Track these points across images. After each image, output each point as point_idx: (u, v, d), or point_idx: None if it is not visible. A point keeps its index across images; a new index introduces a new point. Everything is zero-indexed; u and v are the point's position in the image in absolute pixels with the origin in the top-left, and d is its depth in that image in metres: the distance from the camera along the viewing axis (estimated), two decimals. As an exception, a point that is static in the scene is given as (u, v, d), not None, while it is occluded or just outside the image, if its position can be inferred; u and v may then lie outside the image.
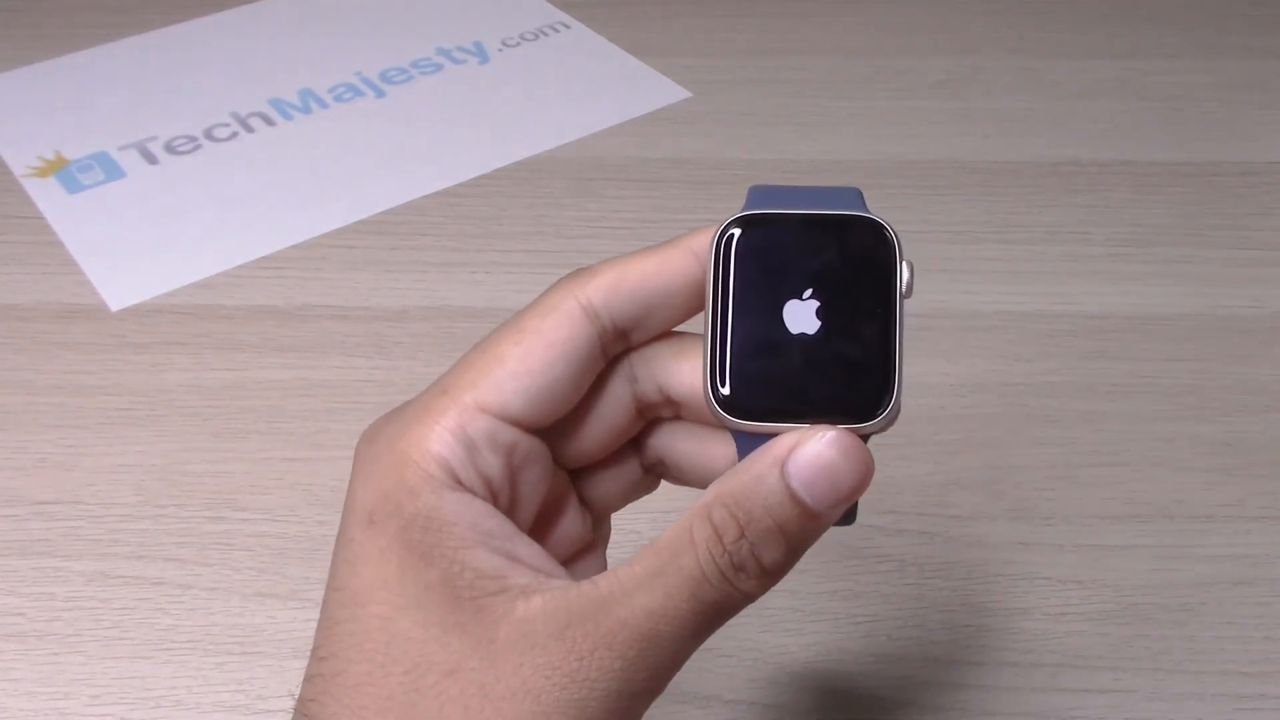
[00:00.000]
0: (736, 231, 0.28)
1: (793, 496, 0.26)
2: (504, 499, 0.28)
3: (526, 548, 0.27)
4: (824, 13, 0.84)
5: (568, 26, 0.82)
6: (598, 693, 0.25)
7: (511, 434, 0.27)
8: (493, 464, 0.27)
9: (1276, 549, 0.48)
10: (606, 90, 0.75)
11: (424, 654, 0.25)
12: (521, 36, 0.81)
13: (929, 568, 0.47)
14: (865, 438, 0.27)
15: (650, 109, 0.74)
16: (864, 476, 0.26)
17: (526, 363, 0.27)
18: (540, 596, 0.26)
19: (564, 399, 0.28)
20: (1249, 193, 0.67)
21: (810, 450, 0.26)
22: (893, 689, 0.43)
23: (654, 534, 0.48)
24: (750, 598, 0.26)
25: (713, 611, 0.26)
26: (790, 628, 0.45)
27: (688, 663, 0.46)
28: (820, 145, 0.71)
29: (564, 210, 0.66)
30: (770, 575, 0.26)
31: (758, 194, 0.29)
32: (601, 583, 0.26)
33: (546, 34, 0.81)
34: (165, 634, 0.45)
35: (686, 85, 0.76)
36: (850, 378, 0.27)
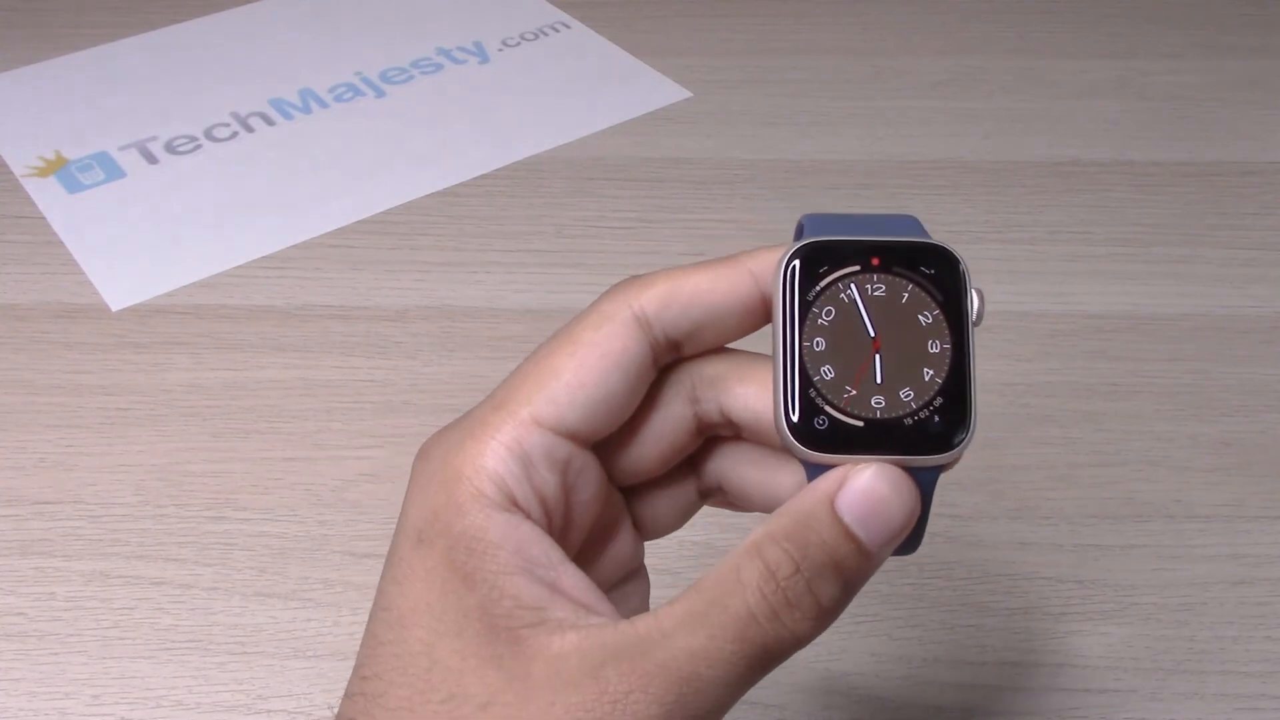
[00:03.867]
0: (800, 261, 0.27)
1: (847, 532, 0.25)
2: (558, 517, 0.27)
3: (571, 577, 0.27)
4: (824, 13, 0.84)
5: (568, 26, 0.82)
6: None
7: (567, 448, 0.27)
8: (549, 480, 0.27)
9: (1276, 549, 0.48)
10: (606, 90, 0.75)
11: (461, 684, 0.25)
12: (521, 36, 0.81)
13: (929, 568, 0.47)
14: (939, 470, 0.27)
15: (650, 109, 0.74)
16: (914, 510, 0.26)
17: (581, 374, 0.27)
18: (576, 633, 0.25)
19: (619, 410, 0.28)
20: (1249, 193, 0.67)
21: (860, 485, 0.25)
22: (893, 689, 0.43)
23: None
24: (800, 641, 0.25)
25: (760, 654, 0.25)
26: (790, 628, 0.45)
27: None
28: (820, 145, 0.71)
29: (564, 210, 0.66)
30: (826, 614, 0.25)
31: (814, 221, 0.28)
32: (640, 623, 0.25)
33: (546, 34, 0.81)
34: (165, 634, 0.45)
35: (686, 85, 0.76)
36: (926, 410, 0.26)
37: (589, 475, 0.28)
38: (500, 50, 0.79)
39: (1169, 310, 0.59)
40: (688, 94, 0.75)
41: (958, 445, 0.26)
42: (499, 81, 0.76)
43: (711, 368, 0.29)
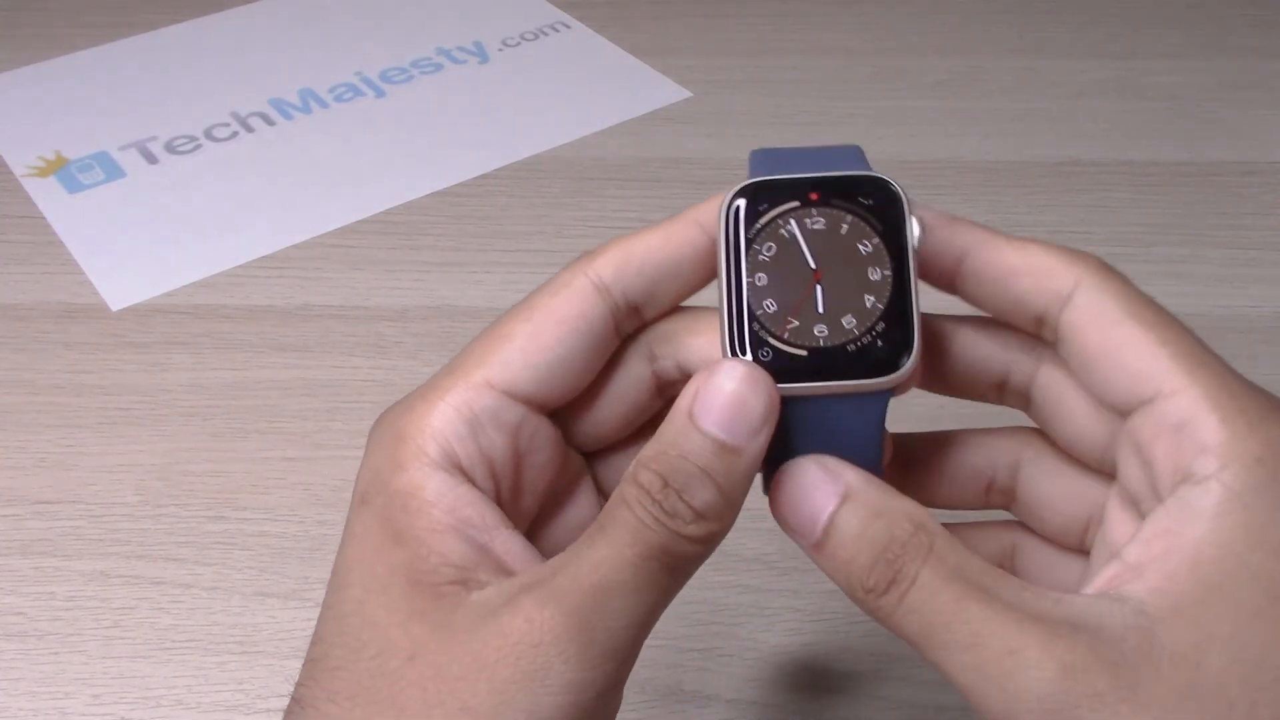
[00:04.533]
0: (742, 201, 0.28)
1: (707, 436, 0.25)
2: (507, 481, 0.27)
3: (506, 542, 0.27)
4: (824, 13, 0.84)
5: (568, 26, 0.82)
6: (555, 661, 0.24)
7: (518, 412, 0.27)
8: (497, 443, 0.27)
9: (1276, 549, 0.48)
10: (606, 90, 0.75)
11: (389, 639, 0.25)
12: (521, 36, 0.81)
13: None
14: (889, 394, 0.27)
15: (650, 109, 0.74)
16: (772, 400, 0.26)
17: (536, 339, 0.27)
18: (496, 585, 0.26)
19: (575, 376, 0.28)
20: (1249, 193, 0.67)
21: (709, 388, 0.26)
22: (893, 689, 0.43)
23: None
24: (700, 543, 0.26)
25: (662, 553, 0.25)
26: (790, 628, 0.45)
27: (687, 662, 0.46)
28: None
29: (564, 210, 0.66)
30: (708, 517, 0.25)
31: (759, 157, 0.29)
32: (550, 561, 0.26)
33: (546, 34, 0.81)
34: (165, 634, 0.45)
35: (686, 85, 0.76)
36: (869, 335, 0.27)
37: (542, 439, 0.28)
38: (500, 50, 0.79)
39: (1169, 310, 0.59)
40: (688, 94, 0.75)
41: (903, 367, 0.27)
42: (499, 81, 0.76)
43: (666, 325, 0.29)
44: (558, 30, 0.81)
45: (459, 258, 0.62)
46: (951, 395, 0.30)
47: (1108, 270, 0.27)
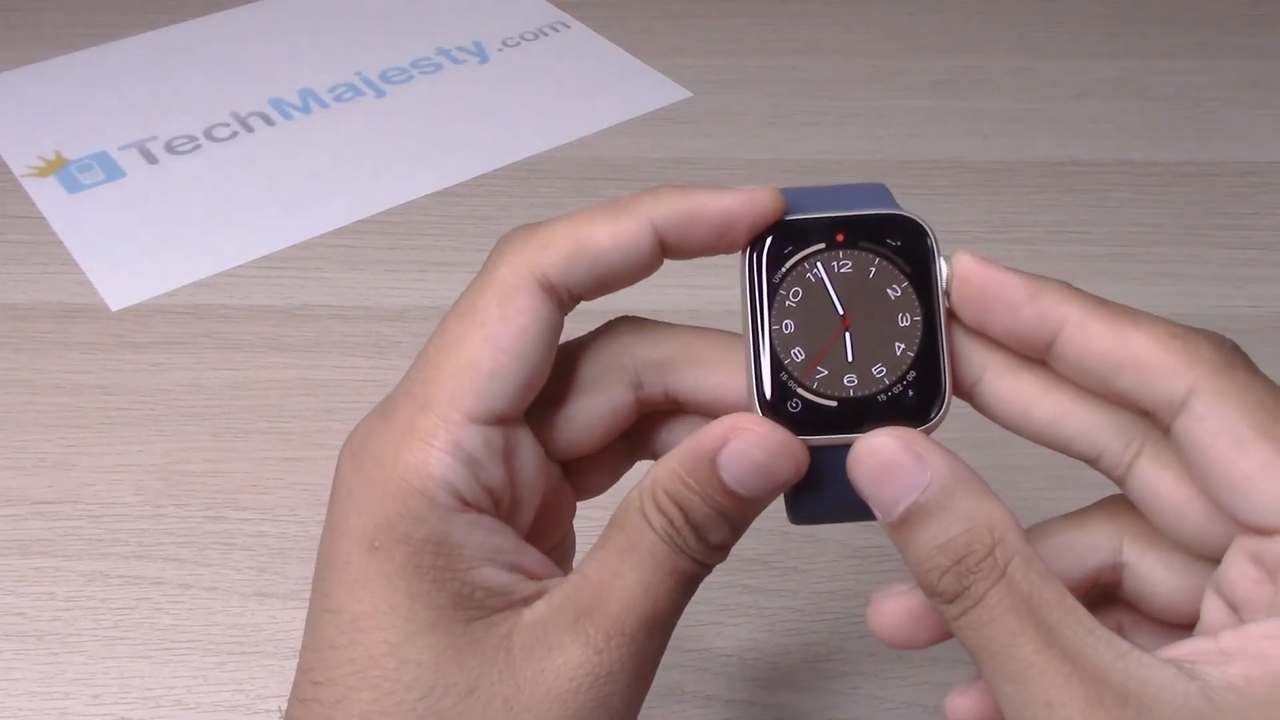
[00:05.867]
0: (769, 240, 0.27)
1: (726, 489, 0.26)
2: (506, 501, 0.28)
3: (529, 556, 0.27)
4: (824, 13, 0.84)
5: (568, 26, 0.82)
6: (620, 684, 0.25)
7: (502, 436, 0.27)
8: (493, 473, 0.27)
9: (1276, 549, 0.48)
10: (606, 90, 0.75)
11: (439, 676, 0.25)
12: (521, 36, 0.81)
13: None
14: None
15: (650, 109, 0.74)
16: (797, 467, 0.27)
17: (500, 359, 0.27)
18: (543, 601, 0.26)
19: (539, 378, 0.28)
20: (1249, 193, 0.67)
21: (738, 449, 0.26)
22: (893, 689, 0.43)
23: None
24: (709, 566, 0.27)
25: (688, 580, 0.27)
26: (790, 628, 0.45)
27: (687, 662, 0.46)
28: (820, 145, 0.71)
29: (564, 210, 0.65)
30: (722, 549, 0.27)
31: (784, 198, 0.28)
32: (590, 571, 0.26)
33: (546, 34, 0.81)
34: (165, 634, 0.45)
35: (686, 85, 0.76)
36: (900, 385, 0.27)
37: (527, 454, 0.28)
38: (500, 50, 0.79)
39: (1169, 310, 0.59)
40: (688, 94, 0.75)
41: (934, 417, 0.27)
42: (499, 81, 0.76)
43: (654, 350, 0.29)
44: (558, 30, 0.81)
45: (459, 258, 0.62)
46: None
47: (1226, 367, 0.25)
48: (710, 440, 0.26)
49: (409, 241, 0.63)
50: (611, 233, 0.27)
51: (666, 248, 0.28)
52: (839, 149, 0.71)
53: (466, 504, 0.26)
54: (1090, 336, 0.26)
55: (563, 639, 0.25)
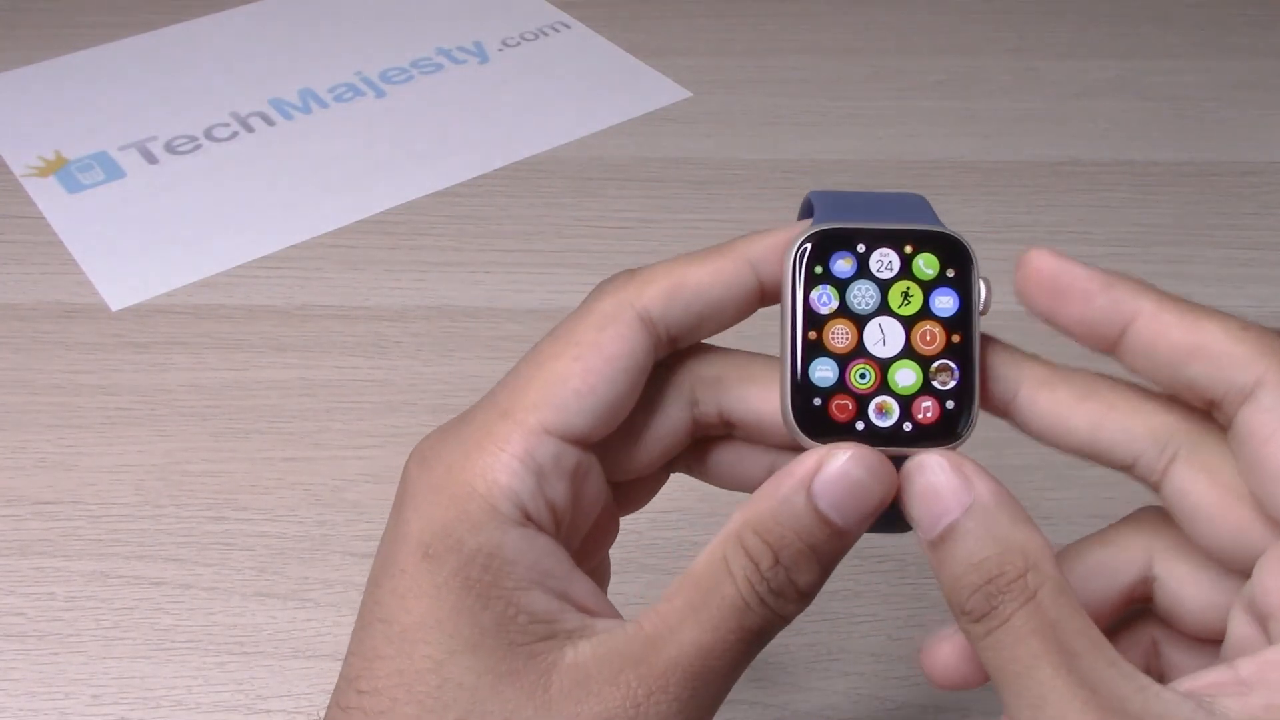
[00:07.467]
0: (810, 247, 0.27)
1: (822, 518, 0.26)
2: (566, 521, 0.27)
3: (579, 584, 0.27)
4: (824, 13, 0.84)
5: (568, 26, 0.82)
6: None
7: (575, 455, 0.27)
8: (559, 489, 0.26)
9: (1276, 549, 0.48)
10: (606, 90, 0.75)
11: (476, 702, 0.25)
12: (521, 36, 0.81)
13: (929, 568, 0.47)
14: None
15: (650, 109, 0.74)
16: (890, 488, 0.26)
17: (589, 379, 0.26)
18: (589, 642, 0.26)
19: (623, 411, 0.27)
20: (1249, 193, 0.67)
21: (835, 469, 0.26)
22: (893, 689, 0.43)
23: (654, 533, 0.48)
24: (787, 620, 0.26)
25: (756, 638, 0.26)
26: (790, 628, 0.45)
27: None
28: (820, 145, 0.71)
29: (564, 210, 0.66)
30: (808, 595, 0.26)
31: (822, 201, 0.28)
32: (647, 623, 0.26)
33: (546, 34, 0.81)
34: (165, 634, 0.45)
35: (686, 85, 0.76)
36: (932, 398, 0.27)
37: (593, 477, 0.28)
38: (500, 50, 0.79)
39: None
40: (688, 94, 0.75)
41: (963, 434, 0.27)
42: (499, 81, 0.76)
43: (710, 369, 0.29)
44: (558, 30, 0.81)
45: (459, 258, 0.62)
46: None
47: None
48: (803, 469, 0.26)
49: (409, 241, 0.63)
50: (710, 270, 0.28)
51: (765, 289, 0.28)
52: (839, 149, 0.71)
53: (528, 518, 0.26)
54: (1164, 325, 0.26)
55: (603, 689, 0.25)
